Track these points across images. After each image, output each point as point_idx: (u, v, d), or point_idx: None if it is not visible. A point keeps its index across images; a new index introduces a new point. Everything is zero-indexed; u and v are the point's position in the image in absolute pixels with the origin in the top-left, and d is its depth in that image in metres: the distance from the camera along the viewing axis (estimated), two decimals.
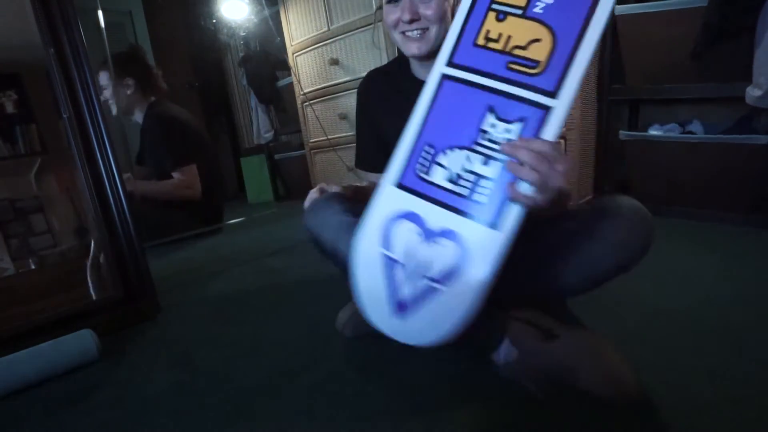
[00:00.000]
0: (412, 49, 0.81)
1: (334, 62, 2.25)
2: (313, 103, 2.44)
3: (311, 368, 0.88)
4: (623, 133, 1.70)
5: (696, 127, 1.63)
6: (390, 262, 0.66)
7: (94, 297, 1.25)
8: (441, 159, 0.66)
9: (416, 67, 0.90)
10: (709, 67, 1.51)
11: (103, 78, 2.06)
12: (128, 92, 2.09)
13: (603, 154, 1.86)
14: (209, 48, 3.43)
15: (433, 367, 0.82)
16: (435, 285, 0.63)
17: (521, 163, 0.58)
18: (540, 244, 0.75)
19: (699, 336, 0.84)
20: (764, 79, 1.29)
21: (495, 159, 0.62)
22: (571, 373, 0.69)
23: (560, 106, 0.60)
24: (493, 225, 0.61)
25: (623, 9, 1.63)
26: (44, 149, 1.32)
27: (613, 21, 1.67)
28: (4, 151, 1.27)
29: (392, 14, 0.80)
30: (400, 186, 0.68)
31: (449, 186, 0.65)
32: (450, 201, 0.64)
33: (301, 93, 2.49)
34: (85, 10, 1.95)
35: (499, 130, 0.63)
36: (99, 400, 0.88)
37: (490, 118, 0.63)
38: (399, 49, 0.89)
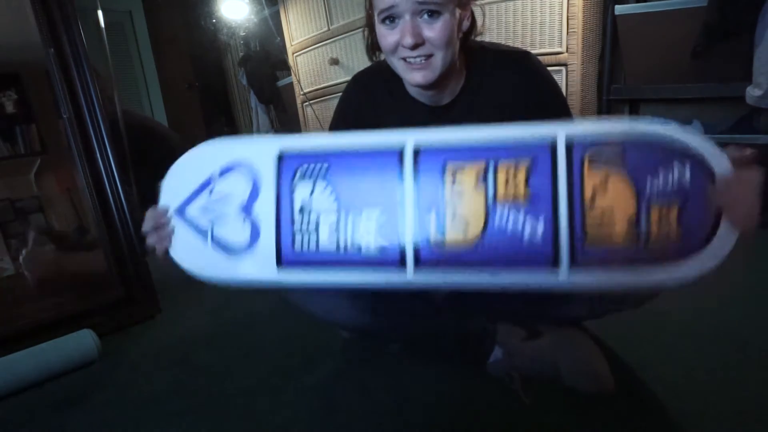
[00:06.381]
0: (416, 78, 0.70)
1: (334, 62, 2.25)
2: (313, 103, 2.44)
3: (311, 368, 0.88)
4: None
5: (696, 127, 1.63)
6: None
7: None
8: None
9: (410, 86, 0.78)
10: (709, 67, 1.51)
11: None
12: None
13: None
14: (209, 48, 3.43)
15: (431, 367, 0.82)
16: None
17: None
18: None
19: (699, 336, 0.84)
20: (764, 78, 1.29)
21: None
22: (553, 369, 0.72)
23: None
24: None
25: (623, 9, 1.63)
26: (44, 149, 1.32)
27: (613, 21, 1.67)
28: (4, 151, 1.27)
29: (389, 36, 0.69)
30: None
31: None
32: None
33: (301, 93, 2.49)
34: (85, 10, 1.94)
35: None
36: (99, 400, 0.88)
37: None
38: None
